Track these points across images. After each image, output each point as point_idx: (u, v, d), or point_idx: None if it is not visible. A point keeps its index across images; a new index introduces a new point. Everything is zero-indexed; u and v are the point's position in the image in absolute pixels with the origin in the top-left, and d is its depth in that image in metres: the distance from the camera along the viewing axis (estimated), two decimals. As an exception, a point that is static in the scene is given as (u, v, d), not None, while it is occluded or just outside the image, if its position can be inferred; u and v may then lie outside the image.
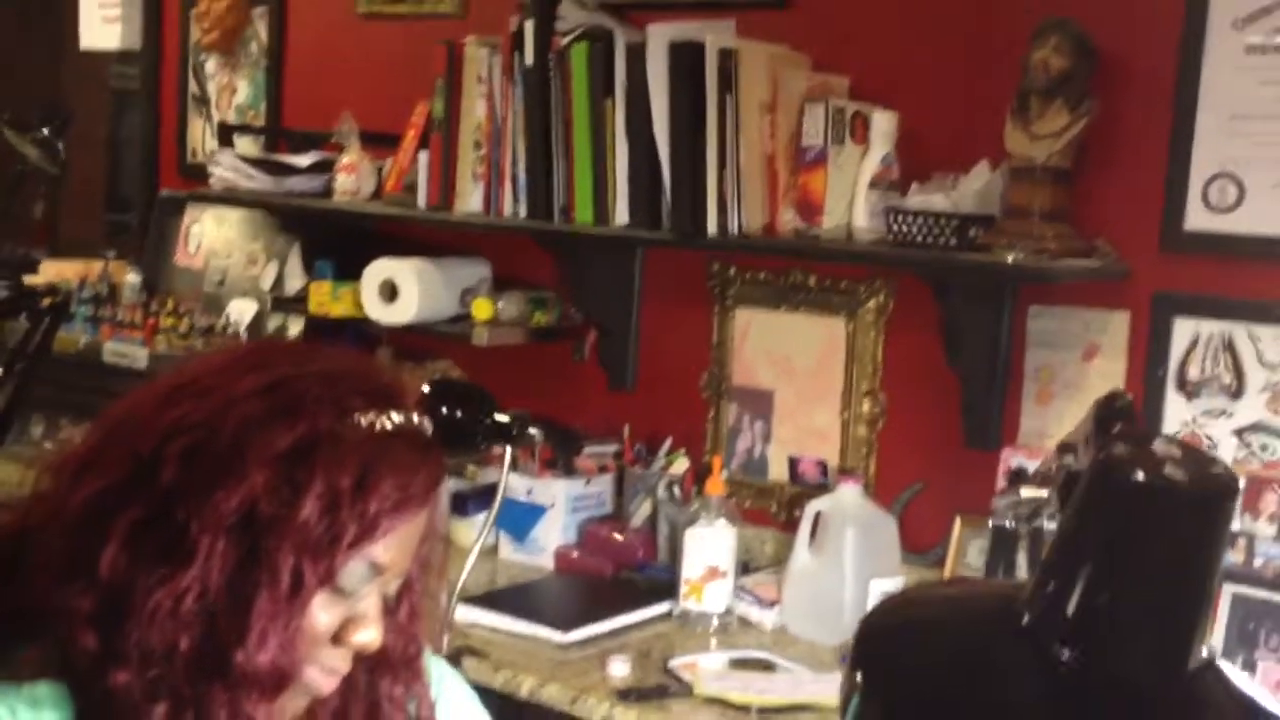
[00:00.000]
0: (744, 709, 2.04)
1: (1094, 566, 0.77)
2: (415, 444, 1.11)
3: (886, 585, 2.35)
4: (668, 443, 2.73)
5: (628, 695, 2.05)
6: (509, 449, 1.84)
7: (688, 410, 2.76)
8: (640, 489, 2.68)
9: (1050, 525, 1.40)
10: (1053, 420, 2.38)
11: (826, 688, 2.13)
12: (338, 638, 1.09)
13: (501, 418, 1.71)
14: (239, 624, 1.02)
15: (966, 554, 2.41)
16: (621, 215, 2.59)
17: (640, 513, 2.68)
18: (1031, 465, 2.36)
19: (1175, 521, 0.76)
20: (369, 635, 1.10)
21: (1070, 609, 0.77)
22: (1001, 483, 2.39)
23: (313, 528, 1.03)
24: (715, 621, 2.41)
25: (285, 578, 1.03)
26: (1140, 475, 0.76)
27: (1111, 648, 0.76)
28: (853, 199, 2.46)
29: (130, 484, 1.04)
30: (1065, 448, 1.21)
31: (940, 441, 2.48)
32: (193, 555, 1.02)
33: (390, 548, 1.08)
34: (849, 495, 2.42)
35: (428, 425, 1.14)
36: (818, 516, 2.42)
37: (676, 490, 2.63)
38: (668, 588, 2.46)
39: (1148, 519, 0.76)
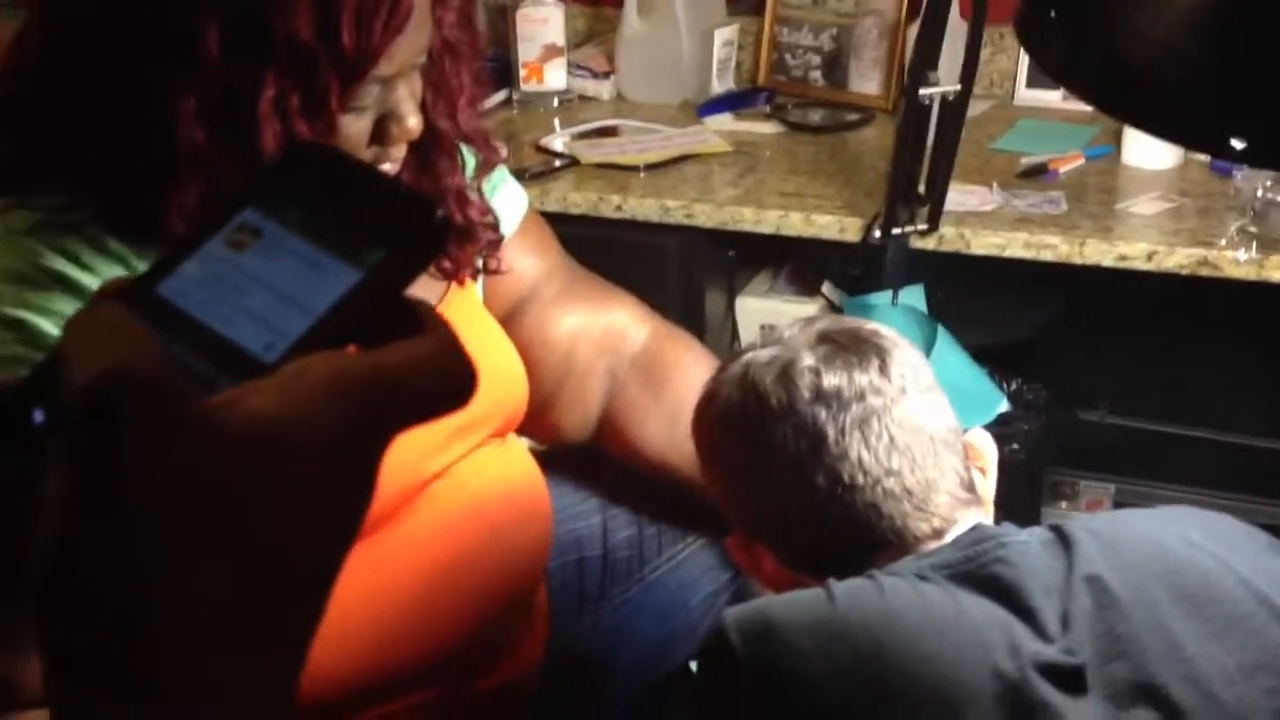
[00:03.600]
0: (633, 169, 2.09)
1: None
2: None
3: (725, 34, 2.39)
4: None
5: (521, 175, 2.05)
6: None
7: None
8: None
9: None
10: None
11: (693, 139, 2.20)
12: (378, 138, 1.04)
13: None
14: None
15: (785, -6, 2.46)
16: None
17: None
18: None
19: None
20: (405, 124, 1.03)
21: None
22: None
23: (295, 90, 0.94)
24: (556, 101, 2.41)
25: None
26: None
27: None
28: None
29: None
30: None
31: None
32: None
33: (393, 56, 0.98)
34: (671, -48, 2.40)
35: None
36: (642, -21, 2.39)
37: (490, -25, 2.52)
38: (501, 76, 2.42)
39: None
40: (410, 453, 1.11)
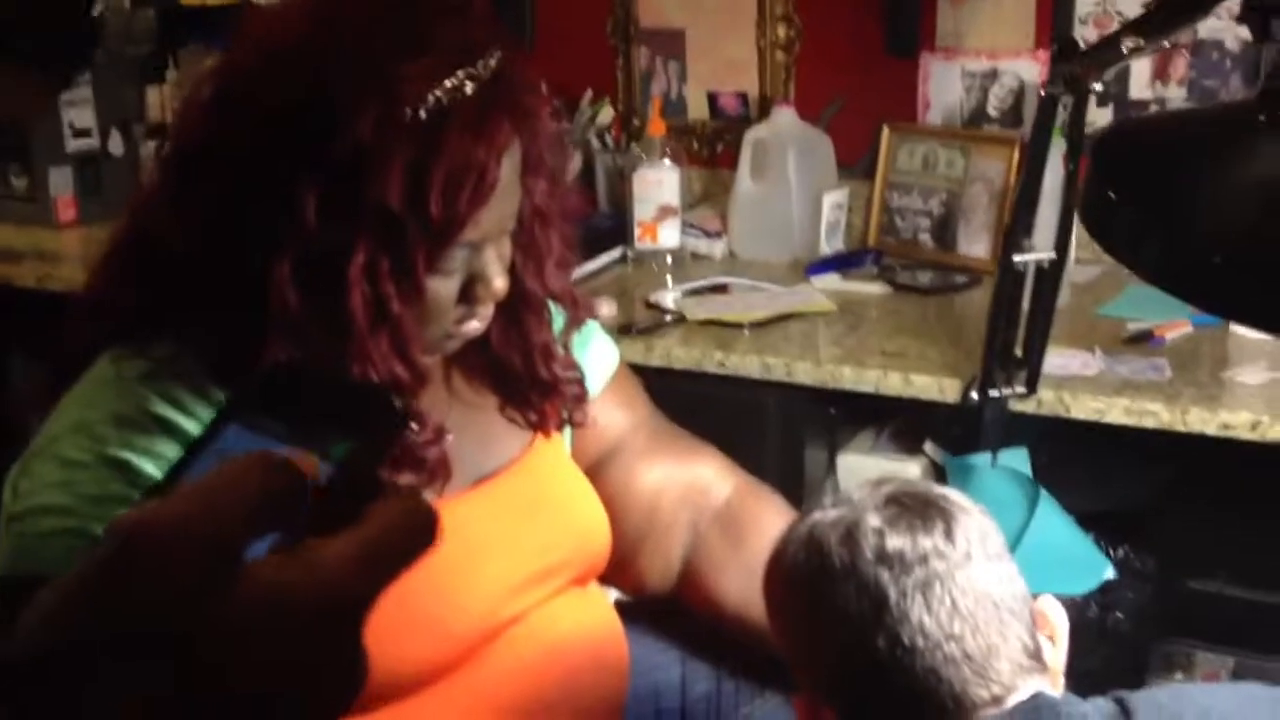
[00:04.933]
0: (738, 326, 2.14)
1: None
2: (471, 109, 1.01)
3: (835, 197, 2.45)
4: (588, 94, 2.72)
5: (628, 330, 2.12)
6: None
7: (595, 60, 2.73)
8: (568, 144, 2.68)
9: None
10: (966, 20, 2.45)
11: (799, 298, 2.25)
12: (465, 298, 1.10)
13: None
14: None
15: (897, 160, 2.51)
16: None
17: (571, 168, 2.68)
18: (951, 67, 2.45)
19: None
20: (492, 286, 1.09)
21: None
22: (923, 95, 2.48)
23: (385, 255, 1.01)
24: (669, 259, 2.48)
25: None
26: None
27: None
28: None
29: None
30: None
31: (858, 55, 2.54)
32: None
33: (480, 223, 1.04)
34: (784, 119, 2.48)
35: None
36: (755, 144, 2.47)
37: (608, 138, 2.63)
38: (616, 234, 2.50)
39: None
40: (486, 598, 1.15)
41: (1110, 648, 1.90)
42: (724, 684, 1.37)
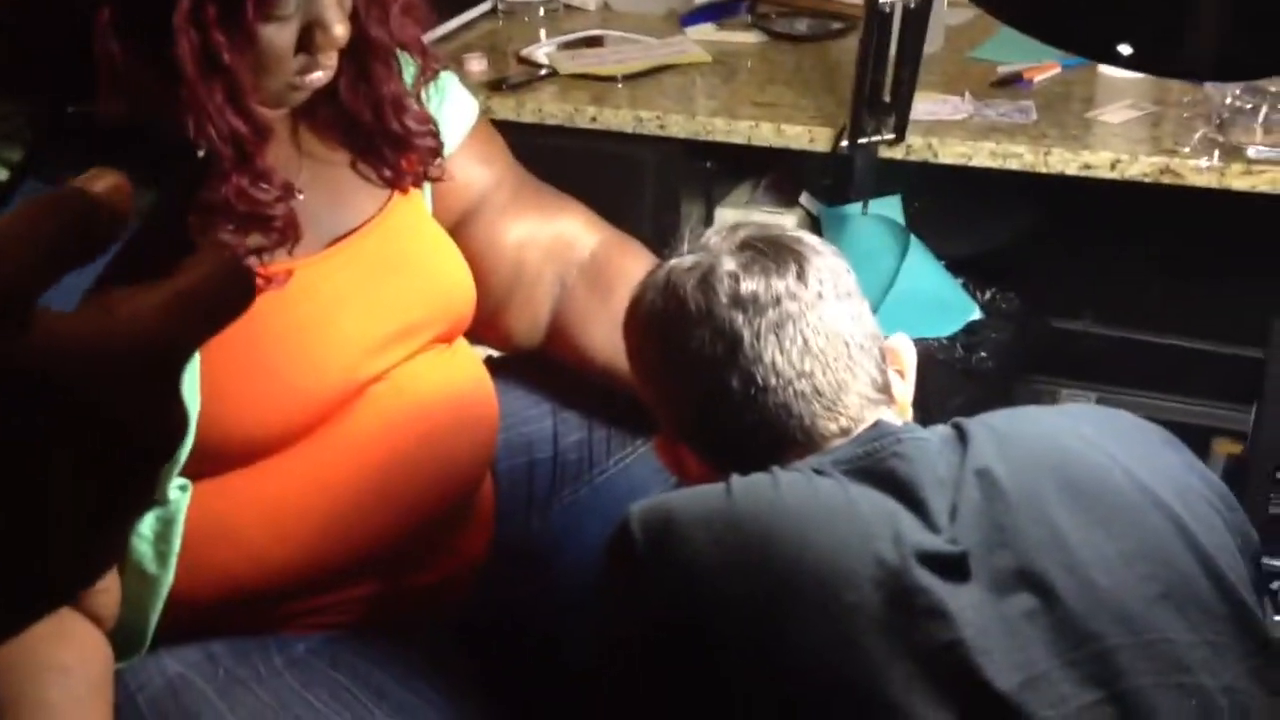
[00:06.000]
0: (611, 79, 2.10)
1: None
2: None
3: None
4: None
5: (499, 86, 2.07)
6: None
7: None
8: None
9: None
10: None
11: (673, 50, 2.21)
12: (305, 46, 1.06)
13: None
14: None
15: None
16: None
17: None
18: None
19: None
20: (331, 32, 1.05)
21: None
22: None
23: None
24: (542, 11, 2.41)
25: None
26: None
27: None
28: None
29: None
30: None
31: None
32: None
33: None
34: None
35: None
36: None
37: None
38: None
39: None
40: (343, 358, 1.15)
41: (976, 387, 1.97)
42: (595, 433, 1.40)
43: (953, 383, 1.95)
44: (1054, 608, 0.87)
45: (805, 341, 1.01)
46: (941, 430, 0.99)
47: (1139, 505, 0.92)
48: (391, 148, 1.22)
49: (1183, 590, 0.90)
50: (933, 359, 1.92)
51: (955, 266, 2.04)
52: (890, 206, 2.03)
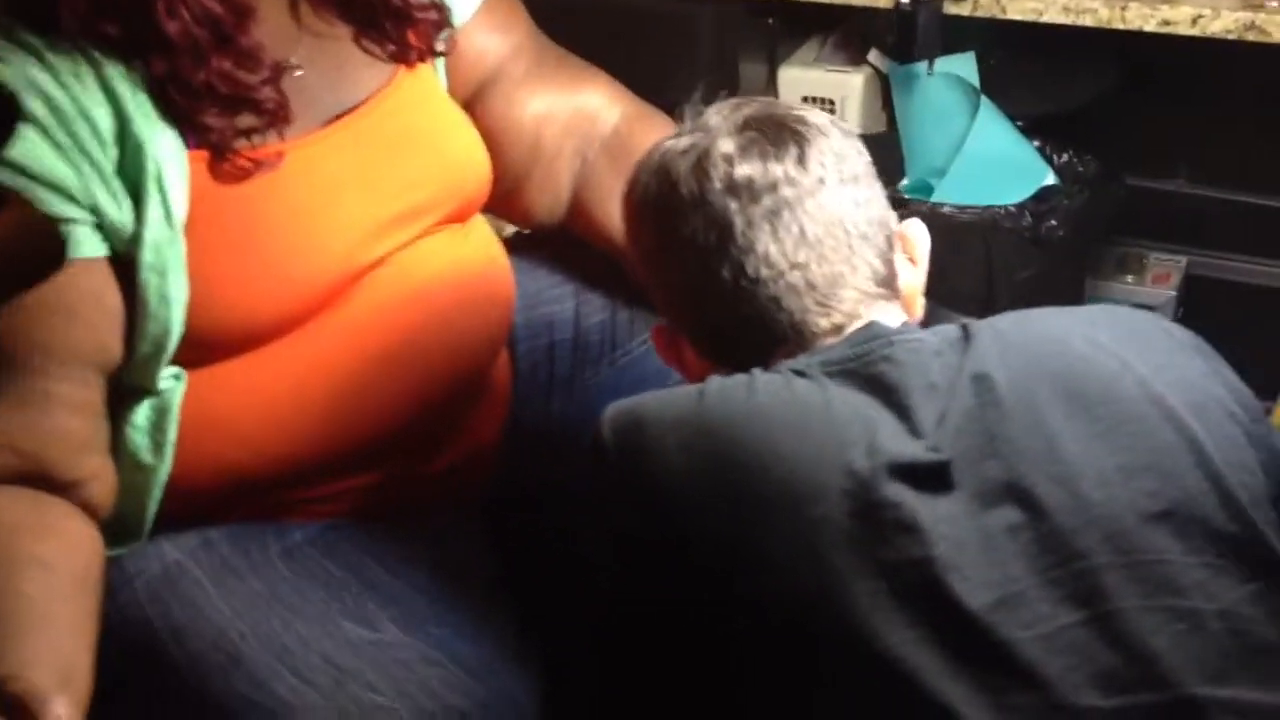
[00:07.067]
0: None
1: None
2: None
3: None
4: None
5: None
6: None
7: None
8: None
9: None
10: None
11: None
12: None
13: None
14: None
15: None
16: None
17: None
18: None
19: None
20: None
21: None
22: None
23: None
24: None
25: None
26: None
27: None
28: None
29: None
30: None
31: None
32: None
33: None
34: None
35: None
36: None
37: None
38: None
39: None
40: (342, 241, 1.12)
41: (1048, 258, 1.88)
42: (618, 314, 1.36)
43: (1022, 253, 1.86)
44: (1039, 522, 0.82)
45: (801, 230, 0.96)
46: (946, 331, 0.93)
47: (1147, 416, 0.86)
48: (393, 21, 1.17)
49: (1186, 508, 0.84)
50: (999, 228, 1.83)
51: (1030, 129, 1.93)
52: (964, 65, 1.92)
